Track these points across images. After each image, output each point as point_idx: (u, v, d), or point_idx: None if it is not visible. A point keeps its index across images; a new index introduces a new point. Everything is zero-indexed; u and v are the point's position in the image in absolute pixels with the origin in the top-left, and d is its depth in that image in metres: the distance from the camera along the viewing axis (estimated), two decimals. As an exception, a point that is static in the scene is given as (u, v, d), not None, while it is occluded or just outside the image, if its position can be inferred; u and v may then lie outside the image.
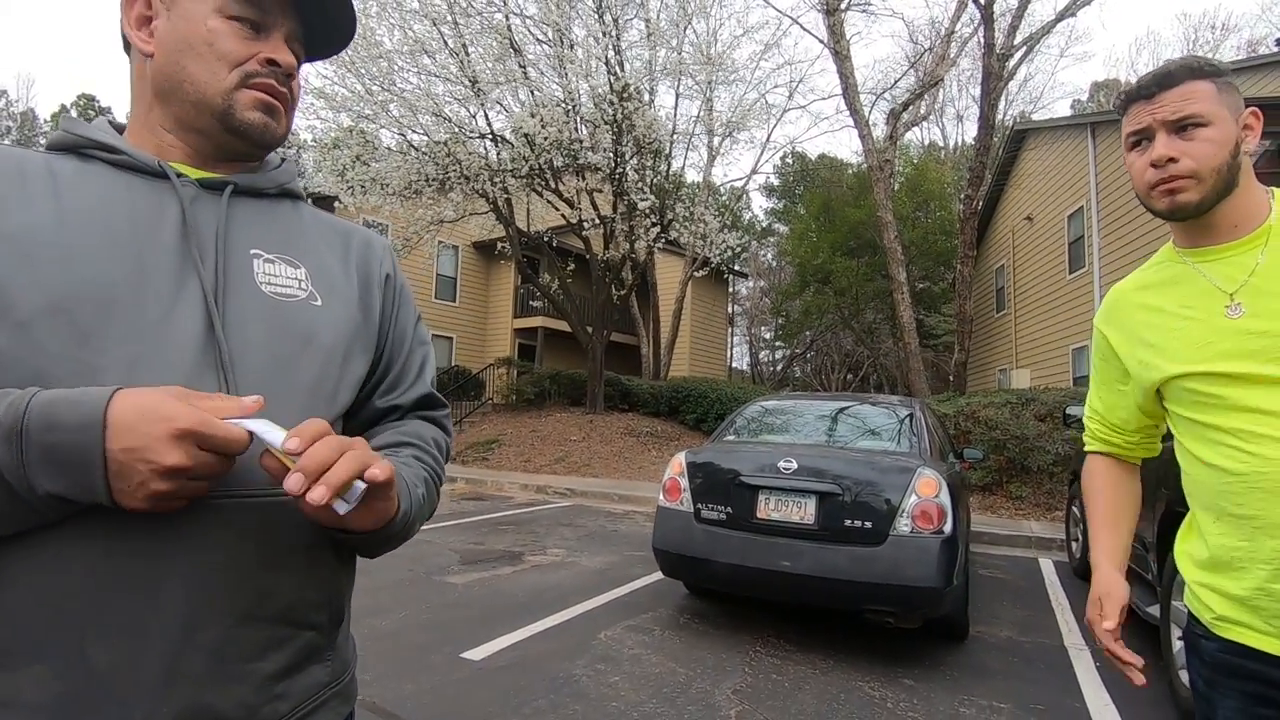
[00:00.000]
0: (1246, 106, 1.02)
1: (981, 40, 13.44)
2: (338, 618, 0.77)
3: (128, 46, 0.78)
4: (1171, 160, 0.99)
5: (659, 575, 4.64)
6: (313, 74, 11.57)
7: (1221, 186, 0.99)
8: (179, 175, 0.73)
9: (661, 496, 4.01)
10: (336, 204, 11.86)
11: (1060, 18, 14.07)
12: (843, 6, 15.04)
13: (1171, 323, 1.06)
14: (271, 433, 0.61)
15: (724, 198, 21.09)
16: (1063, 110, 32.56)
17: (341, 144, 11.62)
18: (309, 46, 0.83)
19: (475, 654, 3.34)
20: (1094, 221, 12.49)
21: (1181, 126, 0.99)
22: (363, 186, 11.72)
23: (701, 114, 15.13)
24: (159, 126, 0.76)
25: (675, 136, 14.13)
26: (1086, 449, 1.30)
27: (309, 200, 0.90)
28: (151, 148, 0.75)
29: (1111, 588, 1.13)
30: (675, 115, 14.39)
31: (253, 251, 0.75)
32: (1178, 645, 3.02)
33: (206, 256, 0.70)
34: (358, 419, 0.86)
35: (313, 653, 0.74)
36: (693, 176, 20.72)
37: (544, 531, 6.76)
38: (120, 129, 0.78)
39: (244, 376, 0.68)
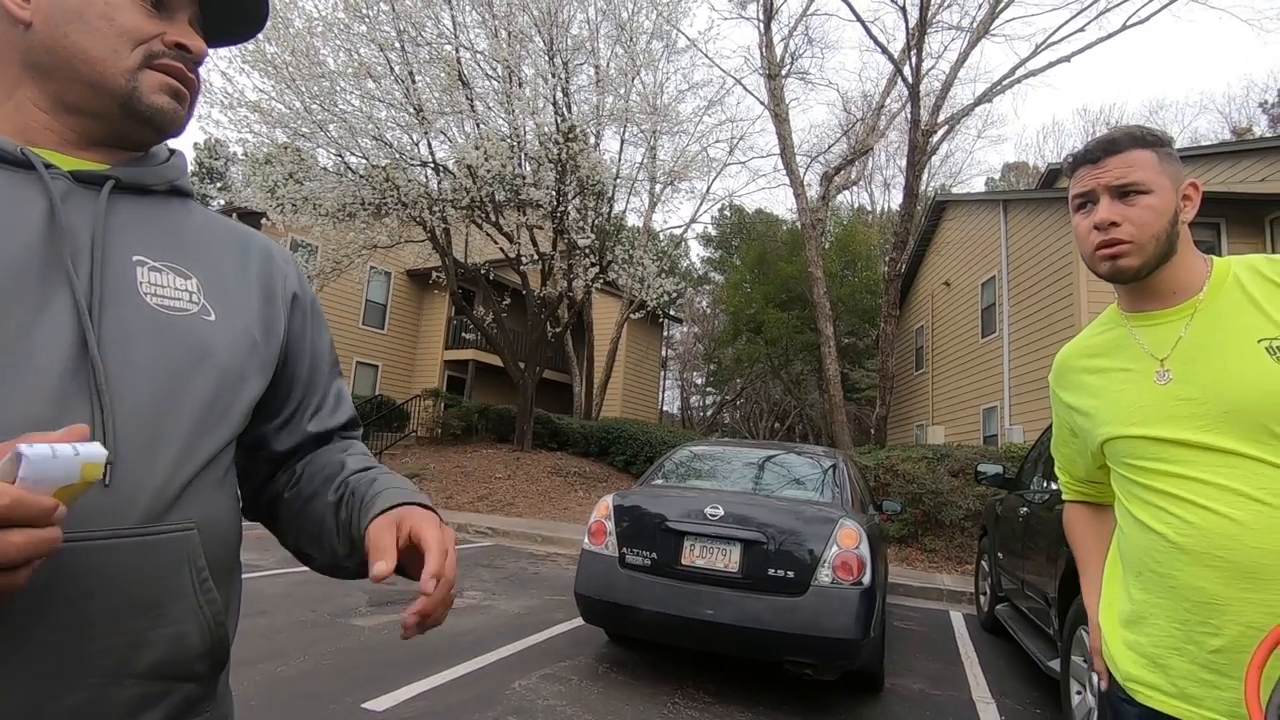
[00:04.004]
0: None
1: (908, 116, 14.40)
2: (220, 664, 0.68)
3: None
4: (1113, 224, 1.03)
5: (579, 621, 4.50)
6: (249, 87, 11.28)
7: (1161, 253, 1.03)
8: (48, 166, 0.62)
9: (586, 539, 3.93)
10: (264, 221, 11.40)
11: (979, 101, 15.26)
12: (783, 73, 15.86)
13: (1112, 385, 1.09)
14: (55, 464, 0.45)
15: (663, 243, 21.53)
16: (978, 186, 35.07)
17: (274, 160, 11.23)
18: (207, 34, 0.75)
19: (378, 704, 3.12)
20: (1004, 291, 13.37)
21: (1124, 192, 1.03)
22: (294, 205, 11.32)
23: (645, 161, 15.47)
24: (30, 105, 0.65)
25: (618, 180, 14.38)
26: (1064, 498, 1.34)
27: (209, 204, 0.81)
28: (13, 130, 0.64)
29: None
30: (620, 160, 14.67)
31: (136, 258, 0.65)
32: (1076, 699, 3.13)
33: (80, 263, 0.60)
34: (286, 444, 0.81)
35: (190, 707, 0.65)
36: (633, 221, 21.07)
37: (462, 572, 6.45)
38: None
39: (123, 401, 0.59)
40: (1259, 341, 0.96)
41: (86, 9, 0.65)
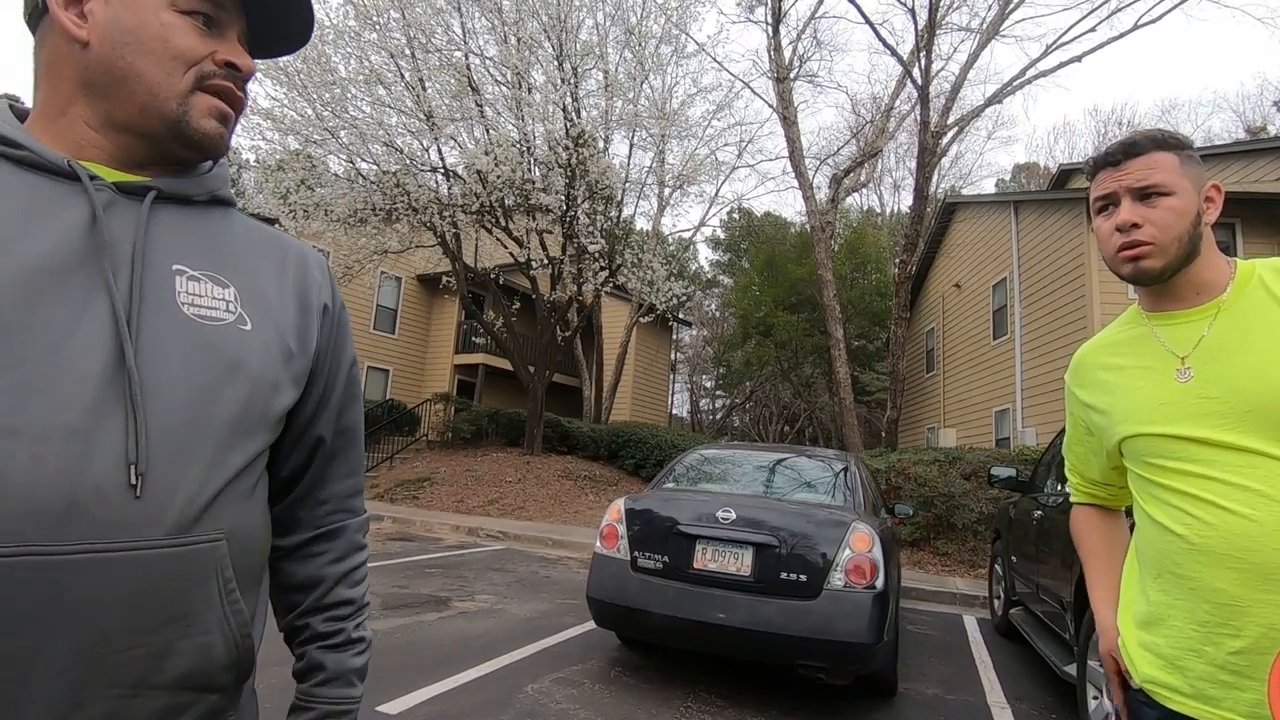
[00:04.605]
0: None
1: (918, 117, 14.35)
2: (245, 673, 0.69)
3: (35, 21, 0.67)
4: (1135, 225, 1.03)
5: (591, 625, 4.50)
6: (261, 95, 11.41)
7: (1183, 254, 1.02)
8: (93, 177, 0.64)
9: (598, 543, 3.93)
10: (276, 227, 11.48)
11: (989, 103, 15.19)
12: (791, 76, 15.85)
13: (1131, 382, 1.08)
14: None
15: (672, 247, 21.50)
16: (988, 188, 34.87)
17: (286, 167, 11.35)
18: (251, 47, 0.74)
19: (392, 708, 3.14)
20: (1015, 292, 13.27)
21: (1145, 194, 1.03)
22: (305, 211, 11.43)
23: (654, 165, 15.52)
24: (81, 122, 0.66)
25: (627, 185, 14.42)
26: (1072, 500, 1.33)
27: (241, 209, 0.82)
28: (65, 145, 0.65)
29: (1114, 640, 1.13)
30: (629, 164, 14.71)
31: (176, 267, 0.66)
32: (1093, 704, 3.10)
33: (120, 272, 0.61)
34: (298, 444, 0.80)
35: (214, 716, 0.66)
36: (642, 224, 21.11)
37: (473, 576, 6.51)
38: (23, 115, 0.68)
39: (157, 411, 0.60)
40: None
41: (142, 29, 0.65)
